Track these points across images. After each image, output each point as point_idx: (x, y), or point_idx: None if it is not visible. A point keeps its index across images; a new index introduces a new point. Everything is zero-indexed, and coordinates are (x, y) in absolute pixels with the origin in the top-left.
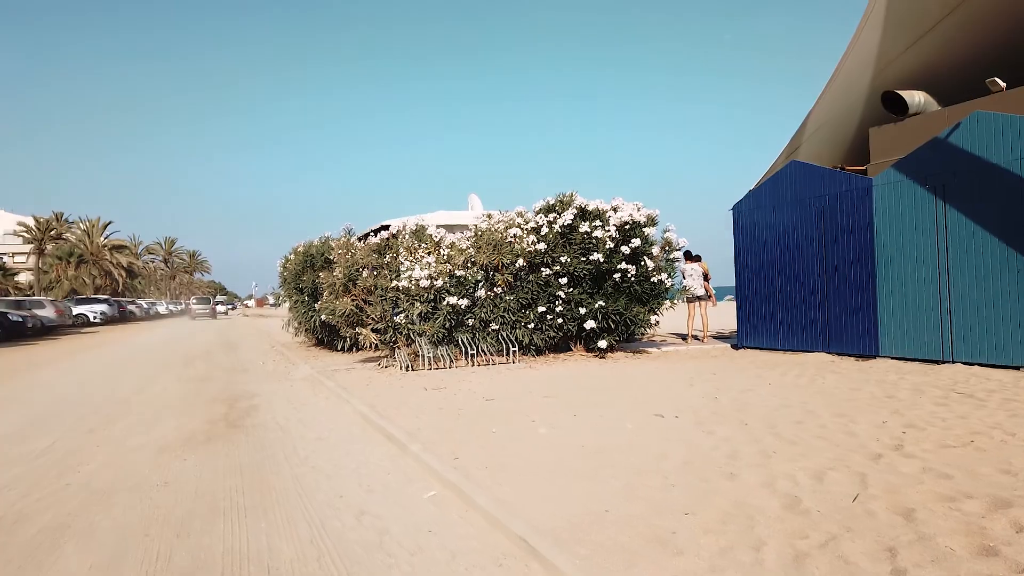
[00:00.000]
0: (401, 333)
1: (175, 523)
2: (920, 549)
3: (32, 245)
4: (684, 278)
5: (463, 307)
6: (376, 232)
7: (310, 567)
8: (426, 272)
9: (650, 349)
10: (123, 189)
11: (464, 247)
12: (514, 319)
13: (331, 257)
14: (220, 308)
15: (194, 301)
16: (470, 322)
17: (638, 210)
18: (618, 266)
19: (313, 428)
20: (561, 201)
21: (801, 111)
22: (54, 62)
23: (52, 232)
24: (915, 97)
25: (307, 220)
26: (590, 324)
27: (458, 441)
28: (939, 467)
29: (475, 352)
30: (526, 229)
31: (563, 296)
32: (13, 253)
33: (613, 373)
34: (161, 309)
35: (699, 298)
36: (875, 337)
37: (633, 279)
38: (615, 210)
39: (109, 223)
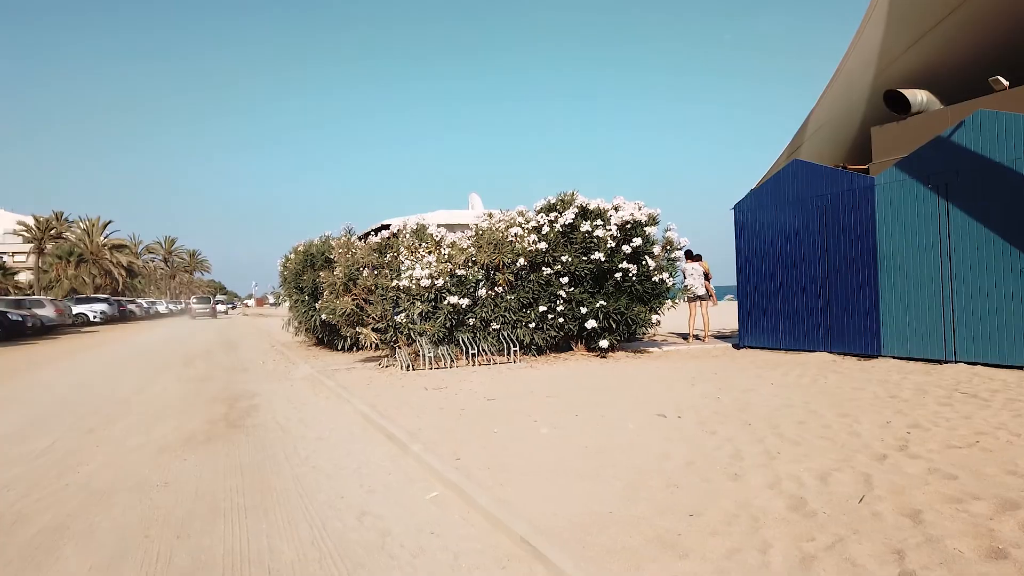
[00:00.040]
0: (402, 332)
1: (175, 524)
2: (928, 551)
3: (32, 244)
4: (685, 277)
5: (464, 306)
6: (377, 231)
7: (311, 569)
8: (427, 271)
9: (651, 349)
10: (123, 189)
11: (465, 246)
12: (515, 318)
13: (331, 256)
14: (220, 307)
15: (194, 300)
16: (471, 321)
17: (639, 209)
18: (619, 265)
19: (313, 428)
20: (562, 200)
21: (801, 111)
22: (54, 62)
23: (52, 231)
24: (918, 96)
25: (307, 220)
26: (591, 324)
27: (459, 441)
28: (945, 468)
29: (476, 352)
30: (527, 228)
31: (564, 295)
32: (13, 252)
33: (614, 373)
34: (161, 308)
35: (700, 297)
36: (877, 336)
37: (634, 278)
38: (616, 209)
39: (109, 222)
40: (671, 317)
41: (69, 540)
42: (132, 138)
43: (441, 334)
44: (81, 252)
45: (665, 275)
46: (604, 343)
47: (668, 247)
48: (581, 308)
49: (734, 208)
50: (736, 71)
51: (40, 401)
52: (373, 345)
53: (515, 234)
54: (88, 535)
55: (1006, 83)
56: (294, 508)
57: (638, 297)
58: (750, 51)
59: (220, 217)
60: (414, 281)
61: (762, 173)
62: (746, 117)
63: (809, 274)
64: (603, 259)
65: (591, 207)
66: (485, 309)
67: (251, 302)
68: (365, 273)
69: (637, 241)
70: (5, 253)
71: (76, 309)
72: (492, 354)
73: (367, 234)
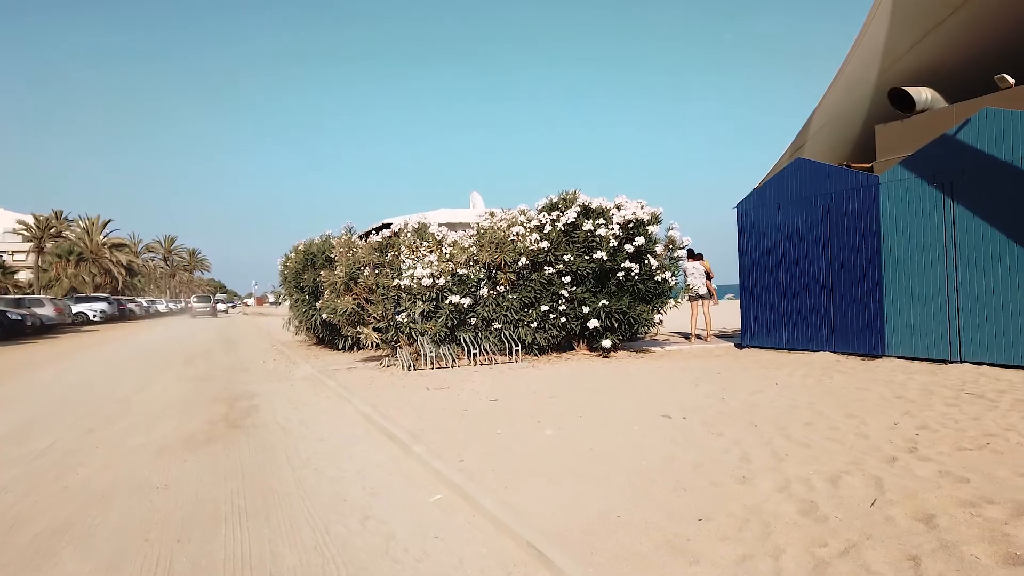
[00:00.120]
0: (403, 332)
1: (175, 527)
2: (944, 558)
3: (31, 243)
4: (686, 276)
5: (465, 306)
6: (378, 230)
7: (315, 574)
8: (428, 271)
9: (654, 348)
10: (123, 188)
11: (466, 245)
12: (517, 318)
13: (332, 255)
14: (220, 307)
15: (194, 299)
16: (472, 321)
17: (641, 208)
18: (622, 264)
19: (315, 429)
20: (564, 199)
21: (801, 110)
22: (54, 62)
23: (52, 230)
24: (922, 94)
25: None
26: (593, 323)
27: (463, 442)
28: (956, 470)
29: (477, 351)
30: (529, 227)
31: (566, 295)
32: (12, 251)
33: (617, 373)
34: (161, 307)
35: (702, 297)
36: (881, 336)
37: (637, 278)
38: (618, 208)
39: (109, 221)
40: (673, 316)
41: (68, 544)
42: (132, 137)
43: (443, 333)
44: (81, 251)
45: (668, 274)
46: (606, 343)
47: (670, 246)
48: (583, 307)
49: (737, 207)
50: (736, 71)
51: (40, 401)
52: (374, 345)
53: (517, 233)
54: (87, 538)
55: (1012, 81)
56: (296, 512)
57: (640, 296)
58: (750, 51)
59: (220, 216)
60: (415, 280)
61: (763, 172)
62: (746, 116)
63: (812, 273)
64: (605, 258)
65: (593, 206)
66: (487, 308)
67: (251, 301)
68: (366, 272)
69: (639, 240)
70: (5, 252)
71: (76, 308)
72: (494, 354)
73: (368, 233)
